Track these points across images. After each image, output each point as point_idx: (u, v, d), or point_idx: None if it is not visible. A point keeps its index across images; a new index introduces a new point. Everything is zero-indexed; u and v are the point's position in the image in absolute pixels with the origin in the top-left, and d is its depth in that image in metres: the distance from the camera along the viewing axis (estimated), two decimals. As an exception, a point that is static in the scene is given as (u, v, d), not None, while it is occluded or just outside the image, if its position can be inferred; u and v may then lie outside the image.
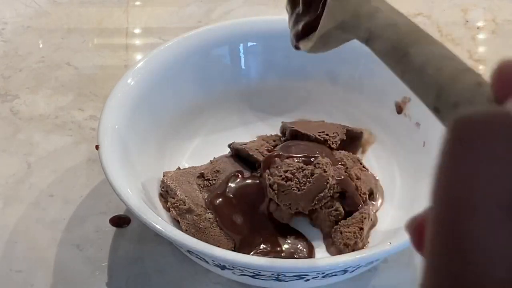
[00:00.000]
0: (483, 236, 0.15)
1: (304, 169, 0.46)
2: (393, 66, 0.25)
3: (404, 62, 0.25)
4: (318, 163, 0.46)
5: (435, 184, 0.16)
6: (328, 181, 0.46)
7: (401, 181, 0.51)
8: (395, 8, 0.28)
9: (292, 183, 0.46)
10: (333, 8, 0.30)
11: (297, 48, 0.35)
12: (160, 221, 0.41)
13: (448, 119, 0.18)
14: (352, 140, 0.54)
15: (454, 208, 0.15)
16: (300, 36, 0.34)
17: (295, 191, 0.46)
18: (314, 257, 0.46)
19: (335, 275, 0.42)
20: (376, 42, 0.27)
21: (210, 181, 0.49)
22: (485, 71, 0.65)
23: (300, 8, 0.35)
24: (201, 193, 0.48)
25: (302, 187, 0.46)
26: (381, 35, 0.27)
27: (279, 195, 0.46)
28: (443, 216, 0.15)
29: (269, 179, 0.46)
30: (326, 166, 0.46)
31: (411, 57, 0.24)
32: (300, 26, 0.34)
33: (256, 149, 0.50)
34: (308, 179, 0.46)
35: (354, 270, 0.43)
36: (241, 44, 0.55)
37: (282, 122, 0.54)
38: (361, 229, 0.46)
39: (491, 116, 0.16)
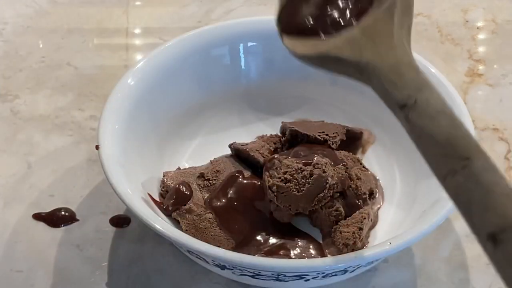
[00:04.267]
0: None
1: (303, 170, 0.46)
2: (434, 157, 0.24)
3: (463, 173, 0.23)
4: (317, 164, 0.46)
5: None
6: (327, 181, 0.46)
7: (401, 181, 0.51)
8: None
9: (291, 184, 0.46)
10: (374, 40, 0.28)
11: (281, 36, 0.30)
12: (160, 221, 0.41)
13: None
14: (352, 140, 0.54)
15: None
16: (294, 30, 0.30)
17: (294, 192, 0.46)
18: (326, 255, 0.46)
19: (335, 275, 0.42)
20: (420, 118, 0.25)
21: (210, 181, 0.49)
22: (485, 71, 0.65)
23: None
24: (201, 193, 0.48)
25: (302, 188, 0.46)
26: (432, 116, 0.25)
27: (279, 196, 0.46)
28: None
29: (268, 181, 0.46)
30: (325, 166, 0.46)
31: (470, 169, 0.23)
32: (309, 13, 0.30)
33: (257, 150, 0.50)
34: (307, 180, 0.45)
35: (354, 270, 0.43)
36: (241, 44, 0.55)
37: (282, 122, 0.54)
38: (361, 229, 0.46)
39: None
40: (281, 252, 0.46)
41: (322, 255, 0.46)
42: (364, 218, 0.46)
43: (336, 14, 0.30)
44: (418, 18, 0.72)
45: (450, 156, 0.24)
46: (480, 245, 0.22)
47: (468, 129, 0.25)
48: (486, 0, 0.75)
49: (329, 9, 0.30)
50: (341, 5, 0.30)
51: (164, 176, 0.49)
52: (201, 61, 0.54)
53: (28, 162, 0.55)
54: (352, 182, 0.48)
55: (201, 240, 0.42)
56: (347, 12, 0.30)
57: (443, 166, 0.24)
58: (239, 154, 0.51)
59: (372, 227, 0.48)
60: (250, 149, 0.50)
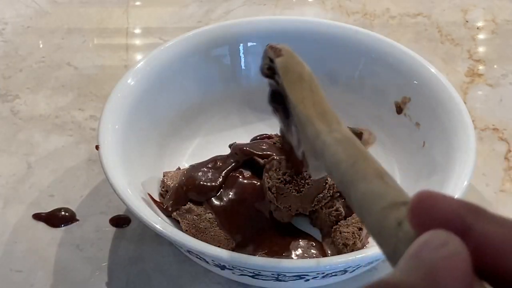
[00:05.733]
0: None
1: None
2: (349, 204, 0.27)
3: (351, 204, 0.25)
4: (317, 163, 0.46)
5: None
6: (326, 181, 0.46)
7: (401, 181, 0.51)
8: (341, 134, 0.29)
9: (291, 185, 0.46)
10: (304, 148, 0.33)
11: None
12: (160, 221, 0.41)
13: None
14: (352, 140, 0.54)
15: None
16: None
17: (294, 193, 0.45)
18: (328, 255, 0.46)
19: (335, 275, 0.42)
20: (331, 178, 0.29)
21: (210, 181, 0.49)
22: (485, 71, 0.65)
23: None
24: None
25: (301, 189, 0.45)
26: (330, 173, 0.28)
27: (279, 197, 0.46)
28: None
29: (268, 182, 0.46)
30: (325, 166, 0.46)
31: (352, 200, 0.25)
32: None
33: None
34: (307, 181, 0.45)
35: (354, 270, 0.43)
36: (241, 44, 0.55)
37: (282, 122, 0.54)
38: (360, 229, 0.46)
39: None
40: (282, 252, 0.46)
41: (323, 255, 0.46)
42: (364, 218, 0.46)
43: None
44: (418, 18, 0.72)
45: None
46: None
47: None
48: (486, 0, 0.75)
49: None
50: None
51: (164, 176, 0.49)
52: (201, 61, 0.54)
53: (28, 162, 0.55)
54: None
55: (201, 240, 0.42)
56: None
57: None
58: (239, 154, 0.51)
59: (372, 227, 0.48)
60: (252, 149, 0.50)
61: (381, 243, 0.22)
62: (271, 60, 0.36)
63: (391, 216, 0.22)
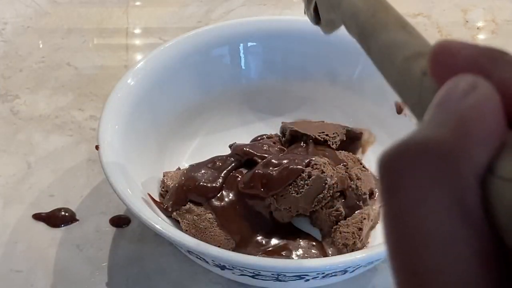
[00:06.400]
0: (440, 265, 0.15)
1: (302, 171, 0.46)
2: (368, 56, 0.25)
3: (371, 56, 0.24)
4: (315, 164, 0.46)
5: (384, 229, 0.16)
6: (326, 181, 0.45)
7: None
8: None
9: (290, 186, 0.46)
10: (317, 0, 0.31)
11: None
12: (160, 221, 0.41)
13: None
14: (352, 140, 0.54)
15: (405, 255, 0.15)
16: (315, 19, 0.34)
17: (293, 194, 0.45)
18: (328, 255, 0.46)
19: (335, 275, 0.42)
20: (348, 30, 0.27)
21: (210, 181, 0.49)
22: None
23: None
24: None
25: (301, 190, 0.45)
26: (348, 25, 0.27)
27: (278, 199, 0.46)
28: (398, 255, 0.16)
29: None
30: (324, 167, 0.46)
31: (372, 52, 0.24)
32: (312, 11, 0.34)
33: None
34: (306, 182, 0.45)
35: (354, 270, 0.43)
36: (241, 44, 0.55)
37: (282, 122, 0.54)
38: (360, 229, 0.46)
39: (401, 154, 0.16)
40: (282, 252, 0.46)
41: (324, 254, 0.46)
42: (364, 219, 0.46)
43: None
44: (418, 18, 0.72)
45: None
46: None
47: None
48: (486, 0, 0.75)
49: None
50: None
51: (164, 176, 0.49)
52: (201, 61, 0.54)
53: (28, 162, 0.55)
54: (352, 182, 0.48)
55: (201, 240, 0.42)
56: None
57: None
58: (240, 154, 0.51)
59: (372, 227, 0.48)
60: (252, 149, 0.50)
61: (404, 95, 0.21)
62: None
63: (416, 66, 0.20)
